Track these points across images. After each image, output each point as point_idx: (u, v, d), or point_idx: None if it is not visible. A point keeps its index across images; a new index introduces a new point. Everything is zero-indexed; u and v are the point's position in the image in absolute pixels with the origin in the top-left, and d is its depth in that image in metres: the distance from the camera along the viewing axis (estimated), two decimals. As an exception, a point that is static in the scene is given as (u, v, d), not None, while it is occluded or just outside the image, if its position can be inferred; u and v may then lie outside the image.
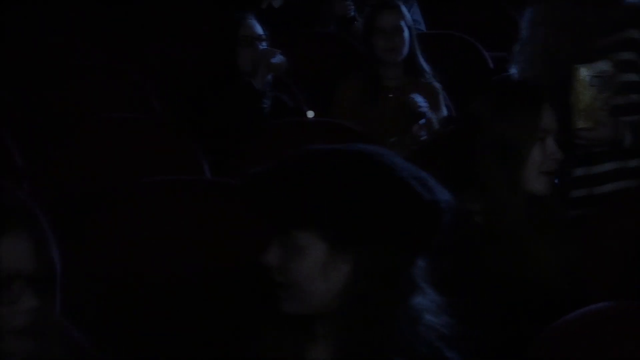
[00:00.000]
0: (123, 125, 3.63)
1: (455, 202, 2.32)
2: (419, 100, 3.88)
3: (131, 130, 3.60)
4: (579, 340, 1.97)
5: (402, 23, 4.15)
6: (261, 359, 1.79)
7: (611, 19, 2.76)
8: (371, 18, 4.17)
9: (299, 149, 1.78)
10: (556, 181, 2.50)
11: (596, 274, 2.57)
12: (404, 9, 4.21)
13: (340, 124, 3.63)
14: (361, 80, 4.13)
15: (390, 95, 4.00)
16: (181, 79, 4.40)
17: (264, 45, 3.94)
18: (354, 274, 1.72)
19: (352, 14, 5.20)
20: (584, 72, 2.55)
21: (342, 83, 4.17)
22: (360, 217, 1.70)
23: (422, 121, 3.83)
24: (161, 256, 2.55)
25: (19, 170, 3.41)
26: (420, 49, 4.21)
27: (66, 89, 4.16)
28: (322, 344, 1.78)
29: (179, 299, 2.49)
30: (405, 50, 4.12)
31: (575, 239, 2.49)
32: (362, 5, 5.13)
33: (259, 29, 3.93)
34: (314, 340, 1.79)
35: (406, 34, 4.14)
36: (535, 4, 2.81)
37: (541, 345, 1.99)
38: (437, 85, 4.12)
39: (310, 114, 4.19)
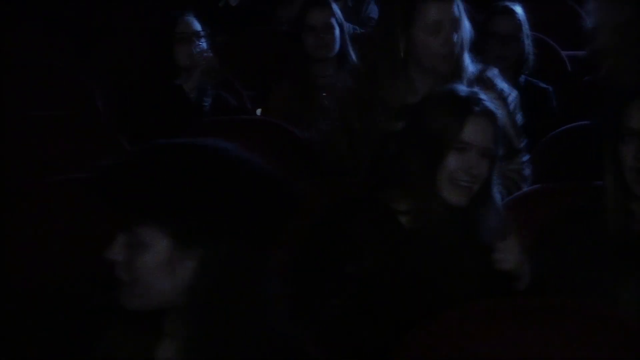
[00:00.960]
0: (59, 122, 3.63)
1: (379, 200, 2.39)
2: None
3: (68, 128, 3.60)
4: (441, 340, 1.96)
5: (333, 20, 4.12)
6: (107, 357, 1.77)
7: None
8: (301, 15, 4.14)
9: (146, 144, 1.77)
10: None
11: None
12: (334, 7, 4.18)
13: (275, 123, 3.62)
14: (294, 79, 4.09)
15: (324, 94, 3.98)
16: (124, 77, 4.40)
17: (202, 42, 3.92)
18: (200, 269, 1.70)
19: None
20: None
21: (276, 82, 4.14)
22: (203, 212, 1.68)
23: None
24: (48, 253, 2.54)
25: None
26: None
27: (8, 87, 4.16)
28: (170, 341, 1.76)
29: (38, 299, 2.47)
30: (336, 47, 4.09)
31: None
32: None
33: (197, 26, 3.92)
34: (161, 337, 1.78)
35: (337, 31, 4.11)
36: None
37: (406, 345, 1.98)
38: None
39: (259, 112, 4.19)
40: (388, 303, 2.34)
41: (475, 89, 2.50)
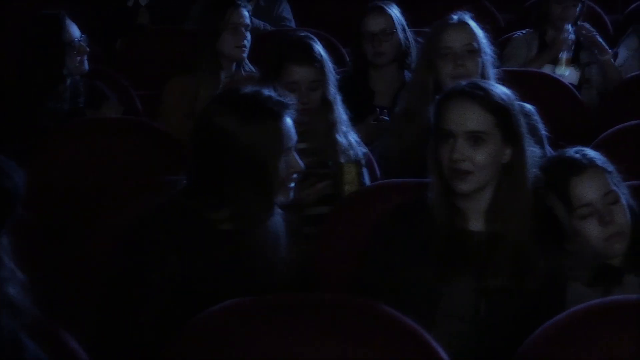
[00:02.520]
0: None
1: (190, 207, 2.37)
2: None
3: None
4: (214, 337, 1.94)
5: (249, 21, 4.12)
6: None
7: None
8: (220, 15, 4.11)
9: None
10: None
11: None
12: (247, 7, 4.17)
13: (144, 123, 3.59)
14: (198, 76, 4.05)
15: None
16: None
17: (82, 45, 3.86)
18: None
19: None
20: None
21: (171, 81, 4.11)
22: None
23: None
24: None
25: None
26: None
27: None
28: None
29: None
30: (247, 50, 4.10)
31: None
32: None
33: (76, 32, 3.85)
34: None
35: (248, 36, 4.11)
36: None
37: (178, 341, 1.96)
38: (257, 74, 4.06)
39: None
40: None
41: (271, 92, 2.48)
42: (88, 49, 3.80)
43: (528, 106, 3.26)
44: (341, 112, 3.17)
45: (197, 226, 2.36)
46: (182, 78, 4.01)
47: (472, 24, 3.24)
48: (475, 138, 2.40)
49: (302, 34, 3.26)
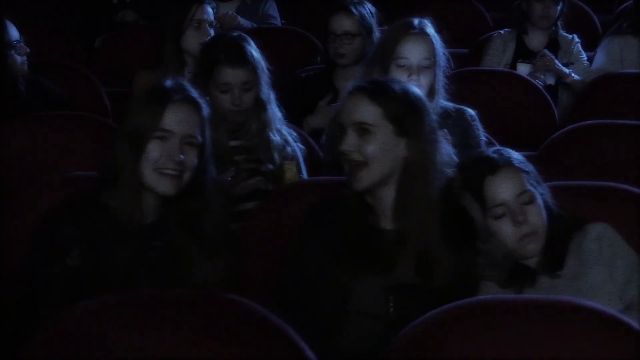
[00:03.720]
0: None
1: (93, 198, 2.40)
2: None
3: None
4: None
5: (214, 19, 4.16)
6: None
7: None
8: (186, 11, 4.15)
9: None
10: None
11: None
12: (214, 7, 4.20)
13: (96, 119, 3.62)
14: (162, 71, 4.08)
15: None
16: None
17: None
18: None
19: None
20: None
21: (138, 74, 4.14)
22: None
23: None
24: None
25: None
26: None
27: None
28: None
29: None
30: None
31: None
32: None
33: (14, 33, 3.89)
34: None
35: (211, 31, 4.12)
36: None
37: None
38: None
39: None
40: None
41: (182, 80, 2.51)
42: (28, 50, 3.83)
43: (470, 111, 3.25)
44: (275, 111, 3.19)
45: (104, 220, 2.39)
46: (148, 72, 4.05)
47: (432, 33, 3.19)
48: (362, 129, 2.41)
49: (235, 34, 3.27)
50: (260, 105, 3.14)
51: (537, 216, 2.48)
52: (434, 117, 2.54)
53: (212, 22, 4.12)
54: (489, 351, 1.81)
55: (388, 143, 2.42)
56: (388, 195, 2.45)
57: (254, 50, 3.17)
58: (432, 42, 3.15)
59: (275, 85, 3.98)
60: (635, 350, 1.82)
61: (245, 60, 3.11)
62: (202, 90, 3.11)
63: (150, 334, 1.86)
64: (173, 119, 2.42)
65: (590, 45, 4.97)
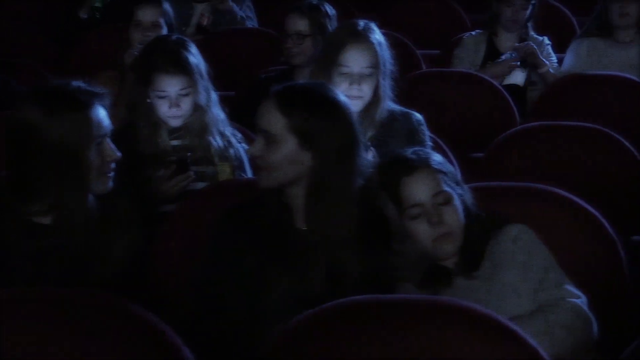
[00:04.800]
0: None
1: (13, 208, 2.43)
2: None
3: None
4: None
5: (161, 19, 4.16)
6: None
7: None
8: (131, 11, 4.17)
9: None
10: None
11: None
12: (166, 7, 4.20)
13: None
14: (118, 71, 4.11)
15: None
16: None
17: None
18: None
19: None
20: None
21: (98, 74, 4.16)
22: None
23: None
24: None
25: None
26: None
27: None
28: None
29: None
30: None
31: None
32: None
33: None
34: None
35: (164, 31, 4.14)
36: None
37: None
38: None
39: None
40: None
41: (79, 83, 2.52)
42: None
43: (417, 115, 3.25)
44: (217, 113, 3.20)
45: (8, 220, 2.41)
46: (108, 72, 4.07)
47: (376, 39, 3.16)
48: (268, 137, 2.40)
49: (175, 38, 3.29)
50: (199, 110, 3.16)
51: (453, 217, 2.48)
52: (356, 129, 2.46)
53: (153, 22, 4.11)
54: (363, 351, 1.82)
55: (292, 155, 2.39)
56: (300, 194, 2.44)
57: (191, 56, 3.18)
58: (375, 50, 3.14)
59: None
60: (510, 351, 1.82)
61: (182, 68, 3.12)
62: (142, 93, 3.18)
63: (18, 330, 1.87)
64: (97, 122, 2.44)
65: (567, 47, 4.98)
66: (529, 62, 4.62)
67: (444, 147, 3.46)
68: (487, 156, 3.43)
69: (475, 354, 1.82)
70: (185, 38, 3.33)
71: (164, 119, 3.16)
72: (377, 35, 3.19)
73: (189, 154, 3.12)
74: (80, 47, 5.04)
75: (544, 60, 4.61)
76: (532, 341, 1.84)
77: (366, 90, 3.10)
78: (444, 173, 2.52)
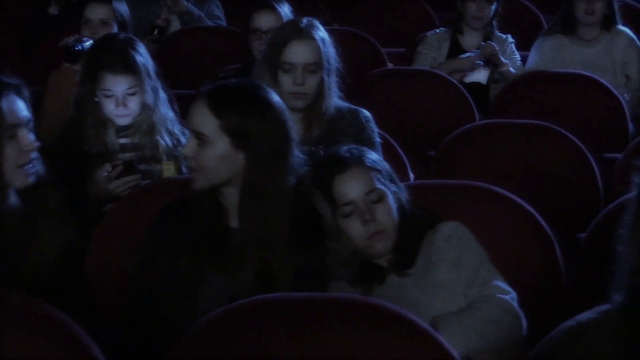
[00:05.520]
0: None
1: None
2: None
3: None
4: None
5: (111, 18, 4.16)
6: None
7: None
8: (80, 9, 4.18)
9: None
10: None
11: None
12: (117, 6, 4.21)
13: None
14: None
15: None
16: None
17: None
18: None
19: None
20: None
21: (54, 71, 4.16)
22: None
23: None
24: None
25: None
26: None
27: None
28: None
29: None
30: None
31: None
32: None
33: None
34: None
35: (114, 29, 4.14)
36: None
37: None
38: None
39: None
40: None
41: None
42: None
43: (365, 112, 3.24)
44: (165, 113, 3.21)
45: None
46: (64, 68, 4.08)
47: (319, 36, 3.15)
48: (200, 138, 2.39)
49: (122, 37, 3.29)
50: (146, 110, 3.18)
51: (386, 215, 2.48)
52: (290, 128, 2.46)
53: (105, 20, 4.12)
54: (271, 349, 1.82)
55: (225, 155, 2.38)
56: (234, 193, 2.44)
57: (139, 56, 3.18)
58: (318, 46, 3.13)
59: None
60: (421, 350, 1.83)
61: (128, 67, 3.13)
62: (89, 91, 3.18)
63: None
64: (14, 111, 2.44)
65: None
66: (491, 61, 4.64)
67: (394, 144, 3.47)
68: (438, 154, 3.44)
69: (386, 352, 1.82)
70: (134, 37, 3.33)
71: (111, 117, 3.16)
72: (321, 32, 3.17)
73: (135, 153, 3.13)
74: (43, 44, 5.03)
75: (504, 60, 4.63)
76: (443, 340, 1.84)
77: (310, 86, 3.10)
78: (378, 171, 2.53)
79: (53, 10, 5.44)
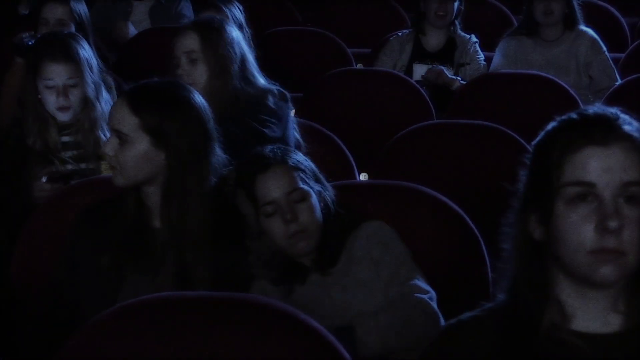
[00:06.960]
0: None
1: None
2: None
3: None
4: None
5: (68, 18, 4.16)
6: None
7: None
8: (38, 8, 4.20)
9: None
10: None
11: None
12: (75, 6, 4.20)
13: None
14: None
15: None
16: None
17: None
18: None
19: None
20: None
21: (13, 66, 4.16)
22: None
23: None
24: None
25: None
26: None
27: None
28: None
29: None
30: None
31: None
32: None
33: None
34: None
35: (72, 29, 4.14)
36: None
37: None
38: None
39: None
40: None
41: None
42: None
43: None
44: (106, 110, 3.21)
45: None
46: (17, 64, 4.07)
47: (202, 30, 3.22)
48: (120, 137, 2.39)
49: (67, 32, 3.32)
50: (87, 104, 3.19)
51: (309, 214, 2.48)
52: (211, 128, 2.46)
53: (62, 19, 4.10)
54: (158, 348, 1.81)
55: (145, 154, 2.39)
56: (156, 192, 2.44)
57: (81, 49, 3.20)
58: (197, 38, 3.21)
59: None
60: (309, 348, 1.83)
61: (68, 56, 3.16)
62: (31, 87, 3.19)
63: None
64: None
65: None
66: (439, 83, 4.59)
67: (340, 143, 3.48)
68: (384, 154, 3.44)
69: (274, 352, 1.81)
70: (78, 34, 3.34)
71: (53, 113, 3.17)
72: (207, 27, 3.26)
73: (75, 168, 3.14)
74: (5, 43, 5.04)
75: (451, 77, 4.59)
76: (332, 338, 1.84)
77: (196, 76, 3.18)
78: (302, 170, 2.52)
79: (23, 9, 5.45)
